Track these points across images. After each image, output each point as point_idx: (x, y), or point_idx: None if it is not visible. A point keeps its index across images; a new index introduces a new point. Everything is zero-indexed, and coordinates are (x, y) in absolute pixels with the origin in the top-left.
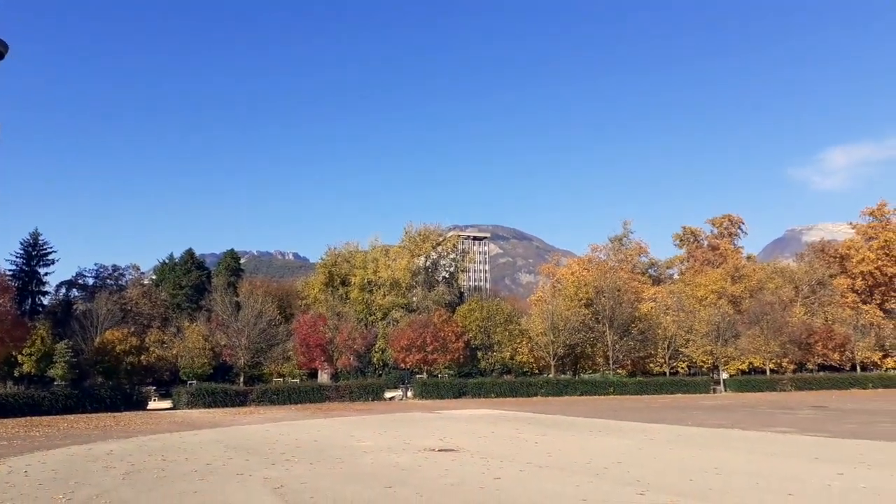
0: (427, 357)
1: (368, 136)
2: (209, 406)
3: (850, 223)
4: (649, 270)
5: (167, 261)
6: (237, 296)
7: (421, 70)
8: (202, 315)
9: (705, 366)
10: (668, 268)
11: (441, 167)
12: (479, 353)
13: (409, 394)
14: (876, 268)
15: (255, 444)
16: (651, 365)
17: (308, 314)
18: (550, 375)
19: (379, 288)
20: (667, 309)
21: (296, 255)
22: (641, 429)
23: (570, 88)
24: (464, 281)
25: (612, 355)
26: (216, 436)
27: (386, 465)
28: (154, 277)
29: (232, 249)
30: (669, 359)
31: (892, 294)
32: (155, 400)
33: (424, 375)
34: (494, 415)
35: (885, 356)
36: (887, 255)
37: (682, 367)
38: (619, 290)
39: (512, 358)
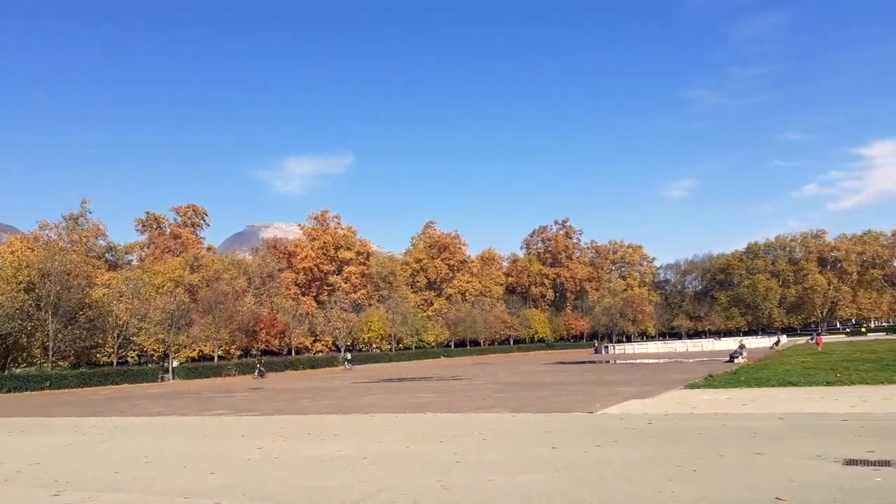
0: None
1: None
2: None
3: (300, 224)
4: (107, 255)
5: None
6: None
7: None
8: None
9: (157, 354)
10: (127, 253)
11: None
12: None
13: None
14: (315, 265)
15: None
16: (99, 355)
17: None
18: None
19: None
20: (121, 296)
21: None
22: (75, 424)
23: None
24: None
25: (52, 346)
26: None
27: None
28: None
29: None
30: (119, 348)
31: (325, 287)
32: None
33: None
34: None
35: (315, 340)
36: (325, 254)
37: (133, 357)
38: (68, 274)
39: None
